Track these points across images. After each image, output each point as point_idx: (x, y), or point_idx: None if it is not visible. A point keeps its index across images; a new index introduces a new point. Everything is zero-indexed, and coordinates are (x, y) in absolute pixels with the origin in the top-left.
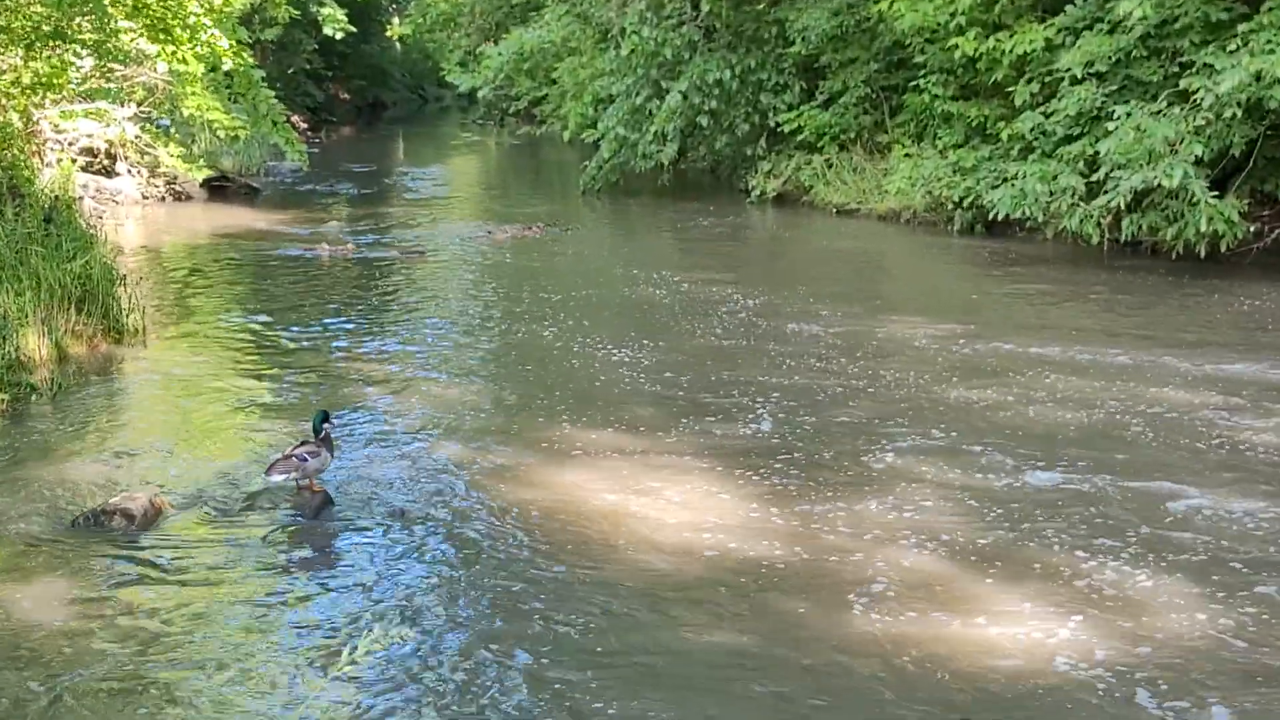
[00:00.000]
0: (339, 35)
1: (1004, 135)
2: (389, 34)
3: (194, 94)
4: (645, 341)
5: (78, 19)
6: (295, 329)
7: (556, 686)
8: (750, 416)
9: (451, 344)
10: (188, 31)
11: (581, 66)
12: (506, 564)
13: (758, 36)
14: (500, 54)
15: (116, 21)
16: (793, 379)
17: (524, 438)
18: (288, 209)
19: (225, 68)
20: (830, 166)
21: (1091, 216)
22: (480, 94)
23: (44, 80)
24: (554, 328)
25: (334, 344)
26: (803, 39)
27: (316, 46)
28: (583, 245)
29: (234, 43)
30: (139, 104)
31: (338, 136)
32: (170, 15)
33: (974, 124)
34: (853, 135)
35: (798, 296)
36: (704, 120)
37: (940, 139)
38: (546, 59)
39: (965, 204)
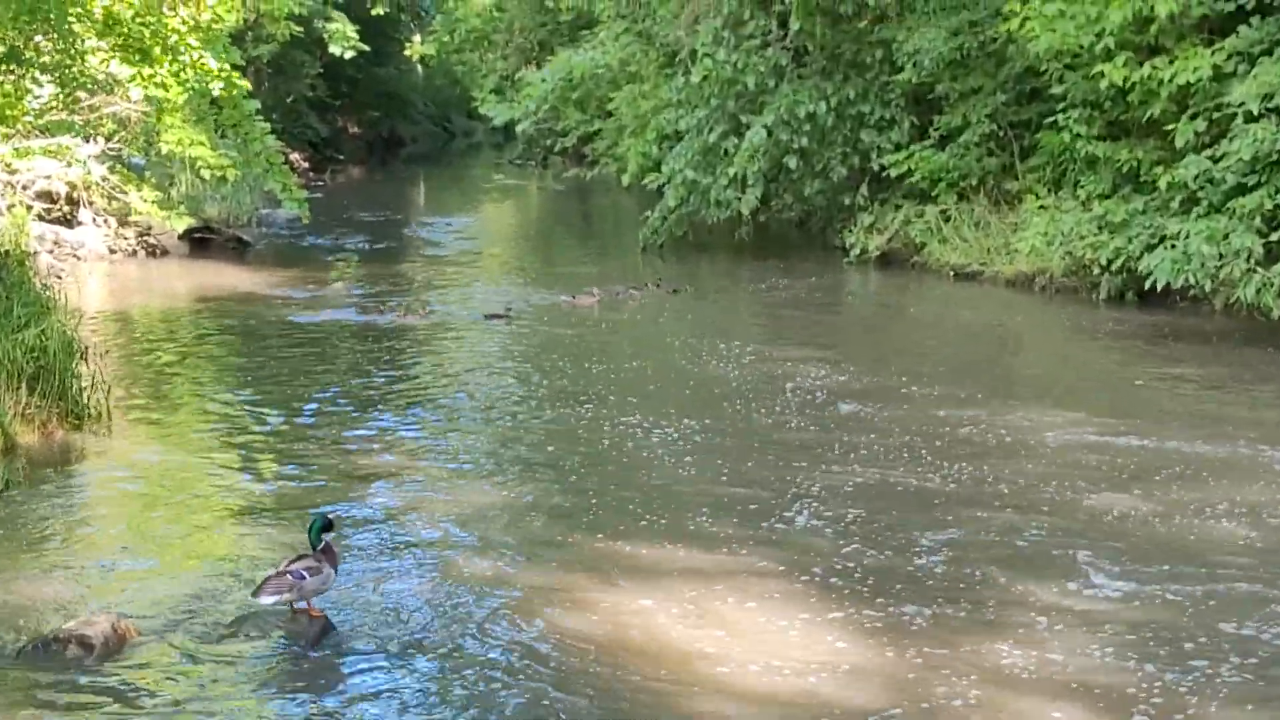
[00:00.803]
0: (348, 56)
1: (1162, 184)
2: (408, 54)
3: (174, 126)
4: (716, 431)
5: (36, 38)
6: (291, 412)
7: None
8: (843, 528)
9: (479, 431)
10: (169, 53)
11: (643, 96)
12: (546, 717)
13: (858, 61)
14: (544, 80)
15: (83, 41)
16: (896, 482)
17: (568, 550)
18: (284, 266)
19: (213, 93)
20: (947, 220)
21: (1271, 285)
22: (519, 128)
23: None
24: (604, 412)
25: (337, 432)
26: (914, 64)
27: (321, 70)
28: (646, 312)
29: (224, 65)
30: (108, 139)
31: (345, 178)
32: (148, 33)
33: (1124, 170)
34: (975, 182)
35: (904, 379)
36: (792, 161)
37: (1083, 187)
38: (600, 86)
39: (1114, 268)
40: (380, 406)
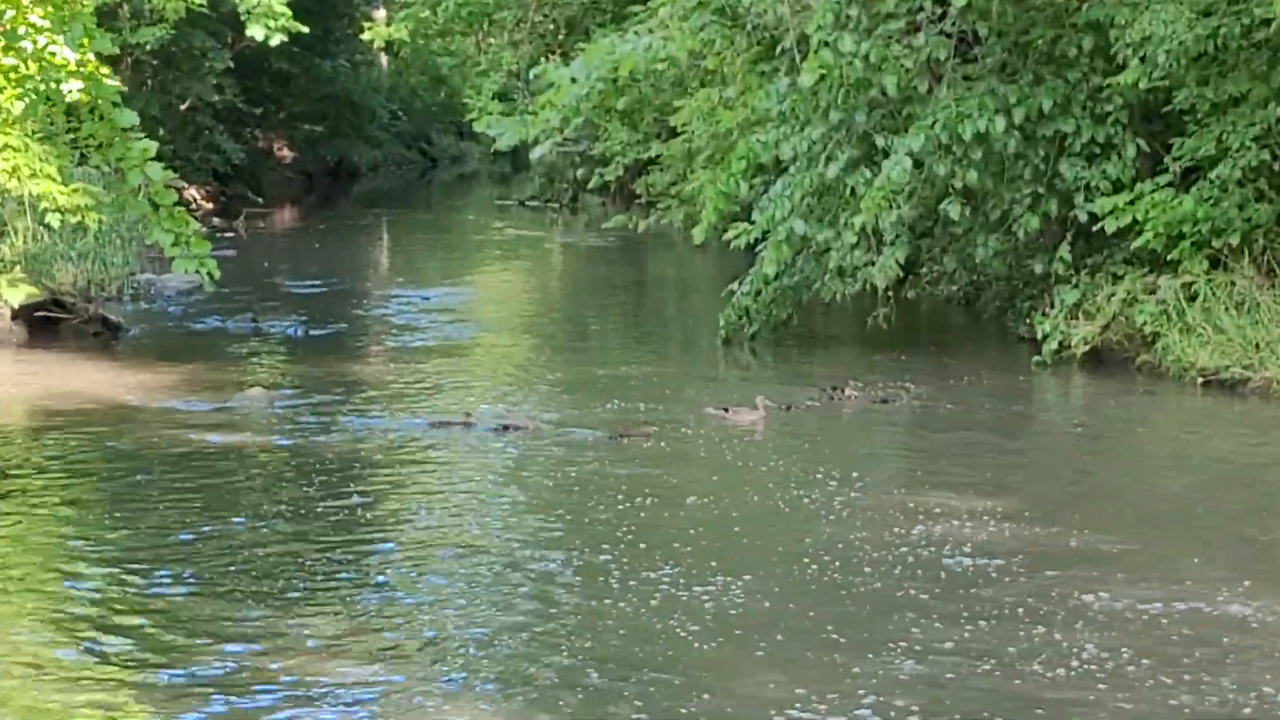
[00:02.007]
0: (276, 42)
1: None
2: (367, 39)
3: (6, 148)
4: (848, 645)
5: None
6: (168, 620)
7: None
8: None
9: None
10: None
11: (726, 106)
12: None
13: (1056, 55)
14: (575, 80)
15: None
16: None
17: None
18: (173, 362)
19: (68, 98)
20: (1193, 298)
21: None
22: (535, 153)
23: None
24: (668, 610)
25: (233, 630)
26: (1142, 59)
27: (233, 64)
28: (728, 442)
29: (86, 56)
30: None
31: (269, 226)
32: None
33: None
34: (1236, 241)
35: (1104, 542)
36: (954, 208)
37: None
38: (661, 91)
39: None
40: (323, 599)
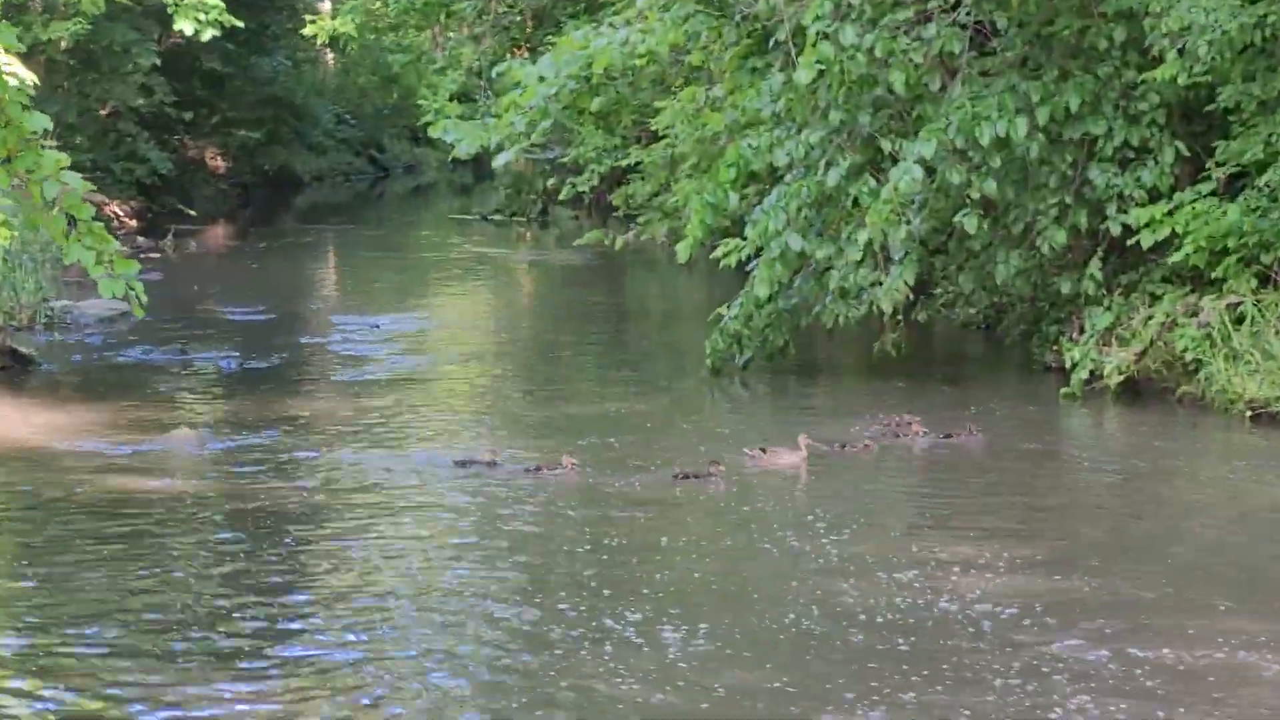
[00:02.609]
0: (208, 37)
1: None
2: (310, 35)
3: None
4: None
5: None
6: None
7: None
8: None
9: None
10: None
11: (712, 106)
12: None
13: (1084, 47)
14: (543, 78)
15: None
16: None
17: None
18: (94, 400)
19: None
20: (1241, 320)
21: None
22: (499, 161)
23: None
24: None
25: None
26: (1180, 52)
27: (158, 64)
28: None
29: None
30: None
31: (201, 243)
32: None
33: None
34: None
35: (1139, 590)
36: (970, 221)
37: None
38: (639, 90)
39: None
40: (256, 659)
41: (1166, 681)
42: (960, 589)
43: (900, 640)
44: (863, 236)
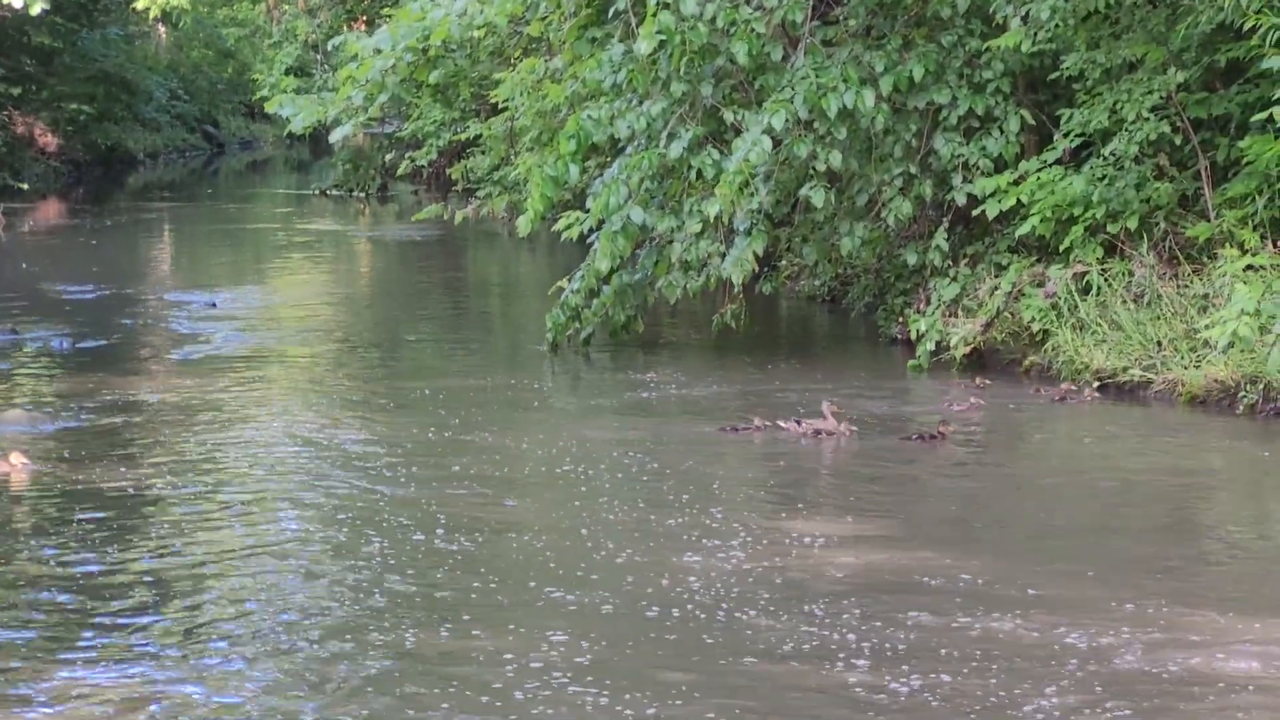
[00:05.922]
0: (35, 10)
1: None
2: (140, 6)
3: None
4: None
5: None
6: None
7: None
8: None
9: None
10: None
11: (552, 78)
12: None
13: (928, 15)
14: (380, 51)
15: None
16: None
17: None
18: None
19: None
20: (1086, 291)
21: None
22: (336, 135)
23: None
24: None
25: None
26: (1024, 19)
27: None
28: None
29: None
30: None
31: (29, 224)
32: None
33: None
34: (1133, 225)
35: (1012, 593)
36: (816, 195)
37: None
38: (477, 62)
39: None
40: (105, 652)
41: (1006, 655)
42: (792, 564)
43: (738, 615)
44: (711, 209)
